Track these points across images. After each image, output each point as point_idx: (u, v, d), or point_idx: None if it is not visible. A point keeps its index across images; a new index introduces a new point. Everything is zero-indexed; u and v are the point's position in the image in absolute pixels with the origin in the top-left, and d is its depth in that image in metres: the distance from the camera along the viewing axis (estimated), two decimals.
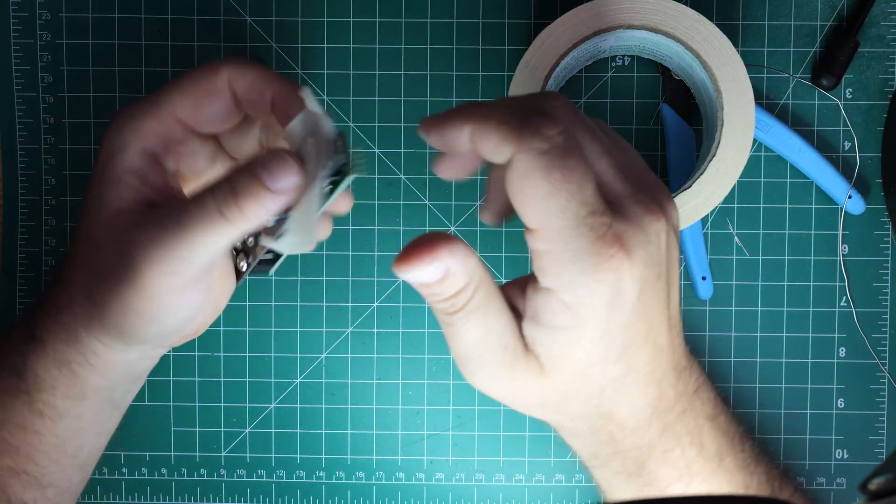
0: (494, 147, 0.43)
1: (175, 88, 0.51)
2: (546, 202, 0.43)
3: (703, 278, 0.64)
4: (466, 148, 0.45)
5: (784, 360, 0.65)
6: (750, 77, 0.59)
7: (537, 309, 0.45)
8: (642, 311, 0.46)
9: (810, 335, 0.65)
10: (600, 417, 0.49)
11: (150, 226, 0.48)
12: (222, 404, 0.66)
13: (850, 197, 0.64)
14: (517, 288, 0.47)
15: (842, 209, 0.64)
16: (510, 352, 0.46)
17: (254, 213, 0.46)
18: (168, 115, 0.50)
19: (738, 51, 0.59)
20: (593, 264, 0.43)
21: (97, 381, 0.53)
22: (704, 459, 0.53)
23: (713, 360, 0.65)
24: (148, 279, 0.48)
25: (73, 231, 0.65)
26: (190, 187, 0.54)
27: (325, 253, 0.65)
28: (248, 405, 0.66)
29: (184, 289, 0.49)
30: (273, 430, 0.66)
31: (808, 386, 0.65)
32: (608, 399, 0.48)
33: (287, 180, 0.46)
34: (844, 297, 0.65)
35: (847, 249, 0.65)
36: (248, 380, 0.66)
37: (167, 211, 0.48)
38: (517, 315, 0.47)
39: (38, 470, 0.54)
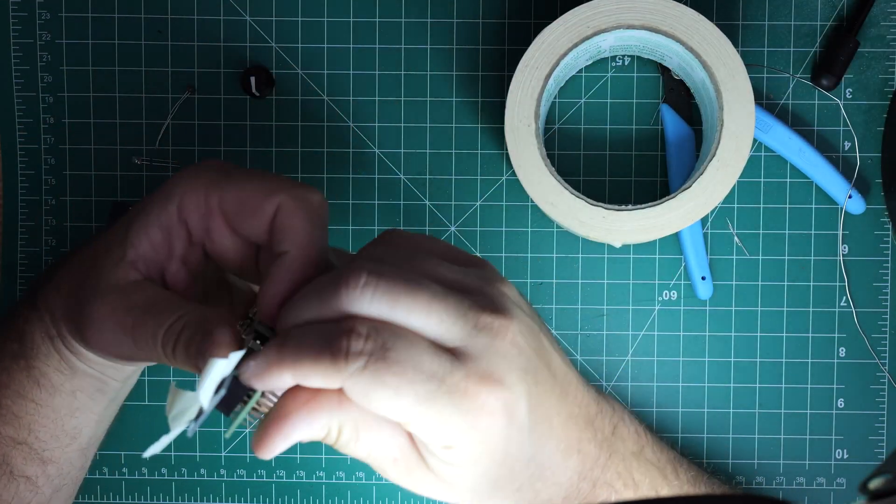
0: (323, 384, 0.43)
1: (234, 182, 0.48)
2: (394, 403, 0.42)
3: (703, 278, 0.64)
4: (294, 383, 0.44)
5: (784, 360, 0.65)
6: (750, 77, 0.59)
7: (431, 450, 0.45)
8: (539, 411, 0.46)
9: (810, 335, 0.65)
10: (523, 502, 0.49)
11: (118, 306, 0.48)
12: None
13: (850, 197, 0.64)
14: None
15: (841, 209, 0.64)
16: (401, 464, 0.46)
17: (190, 368, 0.46)
18: (214, 202, 0.48)
19: (738, 51, 0.59)
20: (470, 419, 0.43)
21: (83, 367, 0.55)
22: (642, 497, 0.53)
23: (713, 360, 0.65)
24: (94, 338, 0.49)
25: (73, 231, 0.65)
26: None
27: None
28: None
29: (131, 358, 0.51)
30: None
31: (808, 386, 0.65)
32: (526, 492, 0.48)
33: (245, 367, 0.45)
34: (844, 297, 0.65)
35: (847, 249, 0.65)
36: None
37: (139, 308, 0.48)
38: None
39: (38, 443, 0.56)
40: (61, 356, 0.54)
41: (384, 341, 0.42)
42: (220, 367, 0.44)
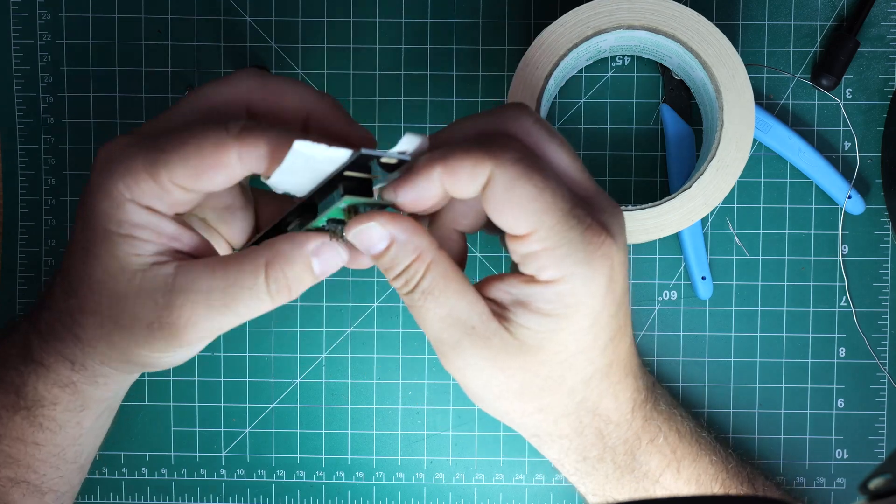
0: (470, 173, 0.44)
1: (175, 152, 0.45)
2: (535, 204, 0.44)
3: (703, 278, 0.64)
4: (439, 197, 0.45)
5: (784, 360, 0.65)
6: (750, 77, 0.59)
7: (528, 296, 0.46)
8: (625, 300, 0.48)
9: (810, 335, 0.65)
10: (586, 413, 0.49)
11: (198, 300, 0.46)
12: (222, 404, 0.66)
13: (849, 197, 0.64)
14: (495, 280, 0.47)
15: (841, 209, 0.64)
16: (479, 332, 0.46)
17: (299, 292, 0.47)
18: (166, 179, 0.45)
19: (737, 51, 0.59)
20: (588, 253, 0.45)
21: (101, 395, 0.53)
22: (686, 443, 0.55)
23: (713, 359, 0.65)
24: (189, 339, 0.47)
25: (71, 232, 0.65)
26: (225, 225, 0.51)
27: None
28: (248, 405, 0.66)
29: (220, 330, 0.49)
30: (273, 430, 0.66)
31: (808, 386, 0.65)
32: (593, 390, 0.49)
33: (336, 266, 0.47)
34: (844, 297, 0.65)
35: (847, 249, 0.65)
36: (248, 380, 0.66)
37: (216, 289, 0.46)
38: (495, 304, 0.47)
39: (38, 478, 0.54)
40: (75, 395, 0.52)
41: (537, 154, 0.45)
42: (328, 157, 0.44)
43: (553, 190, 0.44)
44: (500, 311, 0.46)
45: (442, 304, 0.46)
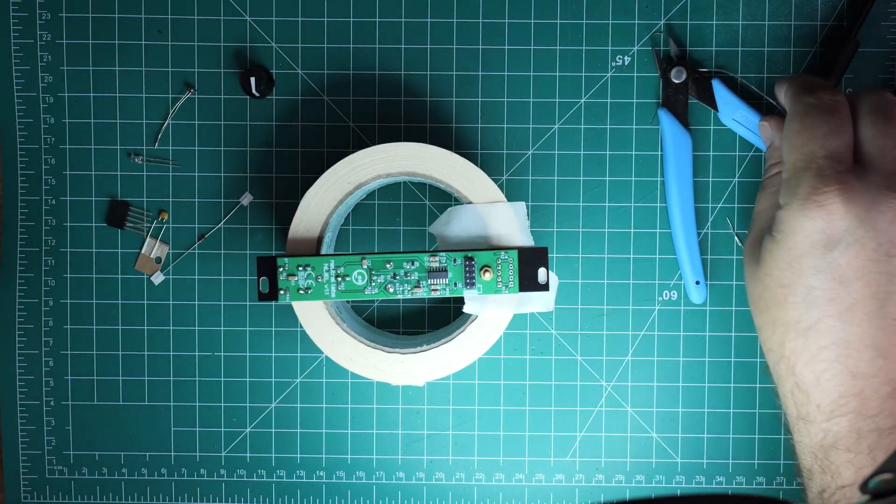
0: (783, 97, 0.57)
1: None
2: (793, 138, 0.53)
3: (697, 283, 0.64)
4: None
5: None
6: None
7: (776, 216, 0.54)
8: (854, 266, 0.50)
9: None
10: (807, 335, 0.53)
11: None
12: (222, 404, 0.66)
13: None
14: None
15: None
16: (755, 233, 0.57)
17: None
18: None
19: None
20: (805, 195, 0.51)
21: None
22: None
23: (713, 360, 0.65)
24: None
25: (73, 231, 0.65)
26: None
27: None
28: (248, 405, 0.66)
29: None
30: (273, 430, 0.66)
31: None
32: (809, 313, 0.52)
33: None
34: None
35: None
36: (248, 380, 0.66)
37: None
38: None
39: None
40: None
41: (834, 110, 0.53)
42: None
43: (813, 137, 0.52)
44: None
45: (762, 201, 0.57)
